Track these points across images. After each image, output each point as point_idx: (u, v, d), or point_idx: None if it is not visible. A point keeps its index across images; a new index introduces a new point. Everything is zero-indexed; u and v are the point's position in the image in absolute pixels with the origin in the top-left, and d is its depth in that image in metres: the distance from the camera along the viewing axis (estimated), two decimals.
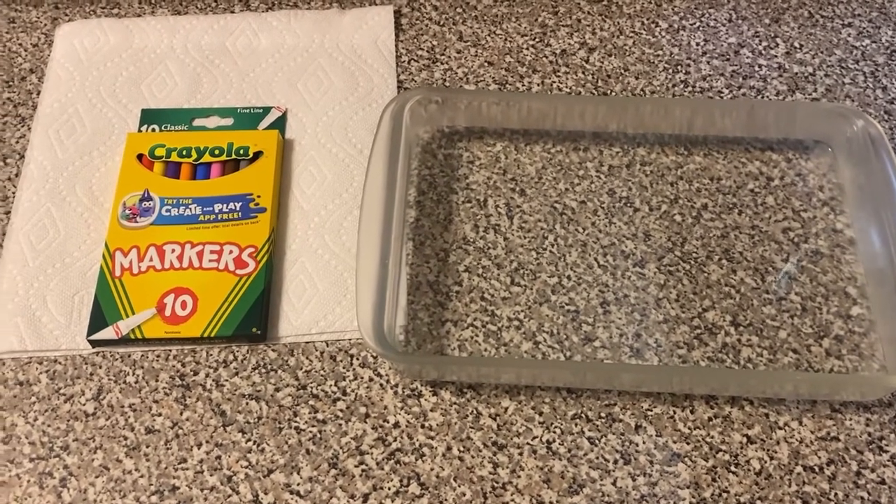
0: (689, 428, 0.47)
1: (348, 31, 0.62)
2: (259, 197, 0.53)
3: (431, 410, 0.47)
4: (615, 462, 0.46)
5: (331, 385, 0.48)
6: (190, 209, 0.52)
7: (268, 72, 0.60)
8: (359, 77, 0.60)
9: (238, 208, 0.52)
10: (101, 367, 0.48)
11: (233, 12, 0.63)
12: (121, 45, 0.61)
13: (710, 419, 0.47)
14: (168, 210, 0.52)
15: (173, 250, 0.51)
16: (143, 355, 0.49)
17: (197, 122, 0.57)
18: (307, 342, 0.50)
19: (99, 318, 0.49)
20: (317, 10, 0.63)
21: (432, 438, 0.46)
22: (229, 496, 0.45)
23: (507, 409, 0.47)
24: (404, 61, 0.61)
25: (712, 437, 0.47)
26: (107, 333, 0.48)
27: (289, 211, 0.54)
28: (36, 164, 0.55)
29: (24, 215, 0.53)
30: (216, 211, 0.52)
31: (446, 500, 0.45)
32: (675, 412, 0.47)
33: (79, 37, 0.61)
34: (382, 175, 0.51)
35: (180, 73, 0.60)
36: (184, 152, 0.54)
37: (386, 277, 0.48)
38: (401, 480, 0.45)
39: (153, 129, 0.56)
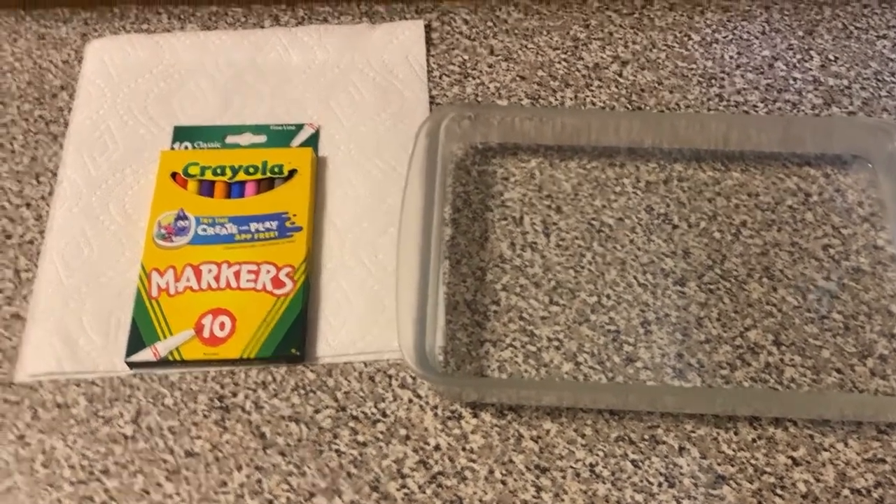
0: (734, 450, 0.46)
1: (379, 46, 0.61)
2: (295, 215, 0.52)
3: (472, 433, 0.47)
4: (659, 485, 0.45)
5: (370, 406, 0.48)
6: (226, 228, 0.52)
7: (299, 88, 0.60)
8: (391, 93, 0.59)
9: (274, 227, 0.52)
10: (139, 390, 0.48)
11: (262, 27, 0.63)
12: (151, 61, 0.60)
13: (753, 440, 0.47)
14: (204, 229, 0.52)
15: (210, 270, 0.50)
16: (181, 377, 0.49)
17: (230, 140, 0.57)
18: (345, 363, 0.49)
19: (137, 340, 0.48)
20: (347, 25, 0.63)
21: (474, 461, 0.46)
22: None
23: (548, 431, 0.47)
24: (436, 76, 0.61)
25: (757, 460, 0.46)
26: (145, 355, 0.48)
27: (323, 229, 0.53)
28: (69, 182, 0.55)
29: (58, 234, 0.53)
30: (252, 230, 0.52)
31: None
32: (718, 434, 0.47)
33: (109, 53, 0.61)
34: (420, 193, 0.51)
35: (211, 89, 0.59)
36: (218, 170, 0.54)
37: (426, 297, 0.47)
38: None
39: (186, 147, 0.56)
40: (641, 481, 0.45)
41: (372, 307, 0.51)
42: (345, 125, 0.58)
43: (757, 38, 0.63)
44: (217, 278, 0.50)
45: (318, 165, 0.56)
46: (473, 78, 0.61)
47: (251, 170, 0.54)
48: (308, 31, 0.62)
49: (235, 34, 0.62)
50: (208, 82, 0.60)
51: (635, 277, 0.52)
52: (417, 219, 0.50)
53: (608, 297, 0.51)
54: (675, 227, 0.54)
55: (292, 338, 0.49)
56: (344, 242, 0.53)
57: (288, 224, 0.52)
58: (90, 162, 0.56)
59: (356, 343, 0.49)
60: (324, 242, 0.53)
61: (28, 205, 0.55)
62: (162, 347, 0.48)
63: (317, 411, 0.48)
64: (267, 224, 0.52)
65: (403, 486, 0.45)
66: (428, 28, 0.63)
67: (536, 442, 0.47)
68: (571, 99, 0.60)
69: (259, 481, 0.45)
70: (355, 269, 0.52)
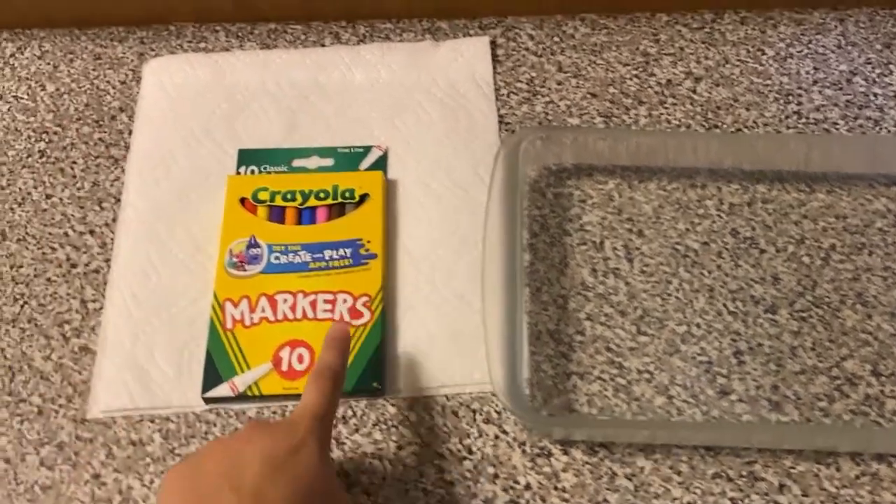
0: (836, 487, 0.44)
1: (444, 64, 0.60)
2: (369, 242, 0.51)
3: (563, 471, 0.45)
4: None
5: (455, 443, 0.46)
6: (299, 256, 0.50)
7: (365, 108, 0.58)
8: (458, 113, 0.57)
9: (349, 254, 0.50)
10: (215, 425, 0.46)
11: (323, 45, 0.61)
12: (212, 82, 0.59)
13: (857, 477, 0.45)
14: (277, 257, 0.50)
15: (285, 300, 0.49)
16: (258, 411, 0.47)
17: (296, 163, 0.55)
18: (427, 396, 0.47)
19: (213, 374, 0.47)
20: (410, 43, 0.61)
21: (567, 501, 0.44)
22: None
23: (642, 468, 0.45)
24: (503, 94, 0.59)
25: (861, 497, 0.44)
26: (222, 390, 0.46)
27: (397, 256, 0.52)
28: (133, 208, 0.53)
29: (125, 263, 0.51)
30: (326, 258, 0.50)
31: None
32: (819, 470, 0.45)
33: (168, 73, 0.59)
34: (500, 219, 0.49)
35: (275, 110, 0.58)
36: (288, 196, 0.52)
37: (512, 329, 0.45)
38: None
39: (252, 171, 0.55)
40: None
41: (452, 338, 0.49)
42: (412, 146, 0.56)
43: (833, 52, 0.61)
44: (293, 308, 0.48)
45: (388, 189, 0.54)
46: (542, 96, 0.59)
47: (322, 195, 0.53)
48: (371, 50, 0.60)
49: (296, 53, 0.60)
50: (271, 103, 0.58)
51: (724, 305, 0.50)
52: (500, 245, 0.48)
53: (698, 326, 0.49)
54: (762, 251, 0.52)
55: (373, 371, 0.47)
56: (419, 270, 0.51)
57: (362, 251, 0.51)
58: (154, 187, 0.54)
59: (437, 376, 0.48)
60: (398, 270, 0.51)
61: (92, 232, 0.53)
62: (240, 382, 0.46)
63: (400, 448, 0.46)
64: (341, 251, 0.50)
65: None
66: (493, 44, 0.61)
67: (630, 480, 0.45)
68: (645, 117, 0.58)
69: None
70: (432, 298, 0.50)
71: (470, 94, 0.58)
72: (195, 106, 0.58)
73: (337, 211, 0.52)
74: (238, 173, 0.55)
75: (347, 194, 0.52)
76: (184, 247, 0.52)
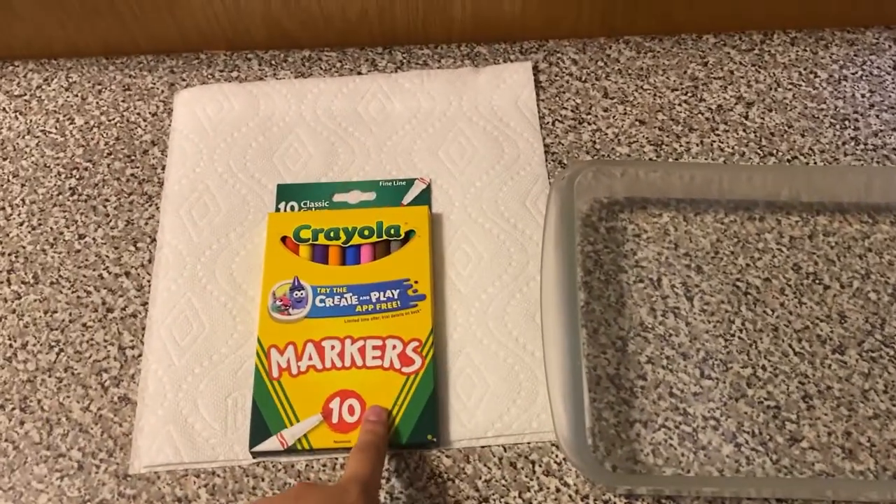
0: None
1: (486, 91, 0.58)
2: (417, 283, 0.49)
3: None
4: None
5: (514, 497, 0.44)
6: (345, 299, 0.48)
7: (406, 139, 0.56)
8: (503, 142, 0.55)
9: (396, 296, 0.48)
10: (263, 480, 0.45)
11: (360, 73, 0.60)
12: (246, 113, 0.57)
13: None
14: (322, 300, 0.48)
15: (333, 347, 0.47)
16: (307, 464, 0.45)
17: (337, 198, 0.53)
18: (483, 446, 0.45)
19: (261, 427, 0.45)
20: (449, 70, 0.59)
21: None
22: None
23: None
24: (548, 122, 0.57)
25: None
26: (271, 444, 0.44)
27: (446, 296, 0.50)
28: (170, 249, 0.52)
29: (164, 307, 0.50)
30: (373, 300, 0.48)
31: None
32: None
33: (200, 104, 0.57)
34: (556, 258, 0.47)
35: (313, 142, 0.56)
36: (331, 234, 0.51)
37: (574, 376, 0.43)
38: None
39: (292, 207, 0.53)
40: None
41: (507, 384, 0.47)
42: (458, 179, 0.54)
43: (888, 73, 0.59)
44: (341, 356, 0.47)
45: (433, 223, 0.52)
46: (589, 123, 0.57)
47: (366, 232, 0.51)
48: (409, 77, 0.58)
49: (333, 81, 0.58)
50: (308, 135, 0.56)
51: (790, 345, 0.48)
52: (557, 285, 0.46)
53: (763, 368, 0.47)
54: (826, 287, 0.50)
55: (427, 422, 0.45)
56: (470, 311, 0.49)
57: (410, 293, 0.49)
58: (191, 226, 0.52)
59: (494, 425, 0.46)
60: (447, 311, 0.49)
61: (127, 273, 0.51)
62: (289, 435, 0.44)
63: (457, 502, 0.44)
64: (388, 293, 0.49)
65: None
66: (535, 69, 0.59)
67: None
68: (697, 144, 0.56)
69: None
70: (485, 341, 0.48)
71: (513, 122, 0.56)
72: (231, 139, 0.56)
73: (382, 249, 0.50)
74: (277, 210, 0.53)
75: (392, 231, 0.50)
76: (224, 289, 0.50)
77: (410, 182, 0.54)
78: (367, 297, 0.48)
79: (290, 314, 0.48)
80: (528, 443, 0.45)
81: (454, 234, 0.52)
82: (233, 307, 0.49)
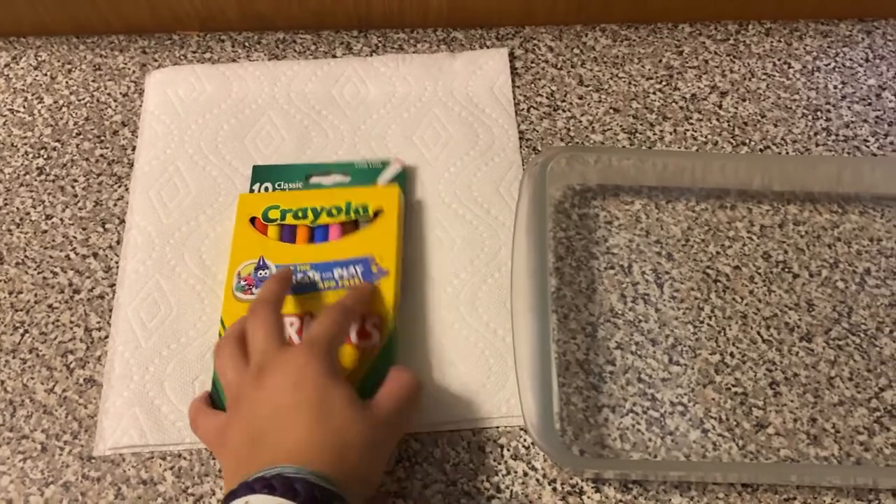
0: None
1: (462, 76, 0.57)
2: (381, 259, 0.48)
3: None
4: None
5: (482, 481, 0.44)
6: (308, 277, 0.48)
7: (380, 123, 0.56)
8: (478, 128, 0.55)
9: (359, 273, 0.48)
10: None
11: (335, 56, 0.59)
12: (219, 95, 0.56)
13: None
14: None
15: (291, 323, 0.46)
16: None
17: (314, 180, 0.52)
18: (452, 430, 0.45)
19: (222, 408, 0.44)
20: (426, 55, 0.59)
21: None
22: None
23: None
24: (523, 109, 0.57)
25: None
26: None
27: (419, 280, 0.50)
28: (139, 230, 0.51)
29: (132, 289, 0.49)
30: (336, 277, 0.48)
31: None
32: None
33: (172, 85, 0.57)
34: (527, 244, 0.47)
35: (286, 126, 0.55)
36: (300, 213, 0.50)
37: (543, 361, 0.43)
38: None
39: (266, 188, 0.52)
40: None
41: (476, 369, 0.47)
42: (431, 164, 0.54)
43: (861, 65, 0.59)
44: (300, 332, 0.46)
45: (407, 209, 0.52)
46: (563, 110, 0.57)
47: (334, 212, 0.50)
48: (384, 61, 0.58)
49: (307, 64, 0.58)
50: (282, 118, 0.56)
51: (759, 333, 0.48)
52: (527, 271, 0.46)
53: (732, 355, 0.47)
54: (795, 276, 0.50)
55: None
56: (441, 295, 0.49)
57: (374, 269, 0.48)
58: (160, 207, 0.52)
59: (462, 409, 0.46)
60: (420, 295, 0.49)
61: (95, 255, 0.51)
62: None
63: (425, 486, 0.44)
64: (351, 269, 0.48)
65: None
66: (511, 56, 0.59)
67: None
68: (670, 133, 0.56)
69: None
70: (456, 326, 0.48)
71: (488, 109, 0.56)
72: (202, 121, 0.55)
73: (351, 228, 0.50)
74: (252, 191, 0.52)
75: (361, 210, 0.50)
76: (193, 272, 0.50)
77: (386, 163, 0.53)
78: (330, 274, 0.48)
79: (253, 293, 0.47)
80: (497, 427, 0.45)
81: (427, 218, 0.52)
82: (201, 290, 0.49)
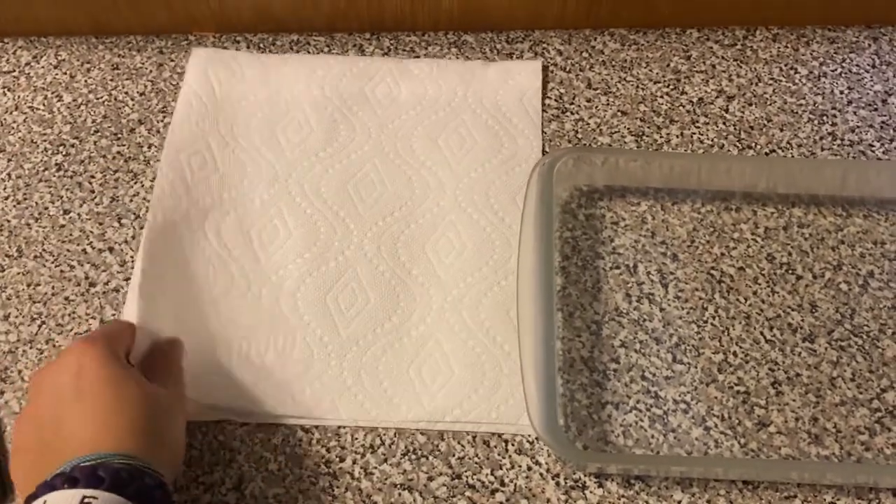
0: None
1: (493, 85, 0.57)
2: None
3: None
4: None
5: (487, 474, 0.45)
6: None
7: (408, 124, 0.56)
8: (503, 137, 0.55)
9: None
10: (240, 454, 0.45)
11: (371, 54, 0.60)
12: (257, 82, 0.57)
13: None
14: None
15: None
16: (284, 440, 0.46)
17: None
18: (440, 431, 0.46)
19: None
20: (460, 62, 0.59)
21: None
22: None
23: (679, 502, 0.44)
24: None
25: None
26: None
27: (424, 279, 0.50)
28: (167, 181, 0.52)
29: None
30: None
31: None
32: None
33: (213, 65, 0.58)
34: (534, 242, 0.47)
35: (317, 117, 0.56)
36: None
37: (552, 358, 0.44)
38: None
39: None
40: None
41: (472, 373, 0.47)
42: (453, 168, 0.54)
43: (867, 71, 0.60)
44: None
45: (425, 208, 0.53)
46: (572, 113, 0.58)
47: None
48: (419, 65, 0.59)
49: (344, 60, 0.59)
50: (313, 110, 0.56)
51: (762, 333, 0.49)
52: (533, 269, 0.47)
53: (735, 354, 0.48)
54: (798, 277, 0.51)
55: None
56: (446, 298, 0.50)
57: None
58: (189, 174, 0.53)
59: (453, 410, 0.46)
60: (425, 294, 0.50)
61: (111, 249, 0.52)
62: None
63: (430, 479, 0.45)
64: None
65: None
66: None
67: None
68: (677, 136, 0.56)
69: None
70: (456, 328, 0.49)
71: (516, 120, 0.56)
72: (238, 105, 0.56)
73: None
74: None
75: None
76: (212, 245, 0.51)
77: None
78: None
79: None
80: (486, 433, 0.46)
81: (442, 220, 0.53)
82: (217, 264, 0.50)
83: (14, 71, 0.60)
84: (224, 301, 0.49)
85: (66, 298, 0.50)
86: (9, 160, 0.56)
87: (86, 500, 0.33)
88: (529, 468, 0.45)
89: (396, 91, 0.58)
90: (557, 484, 0.44)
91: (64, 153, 0.56)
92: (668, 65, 0.60)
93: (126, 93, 0.59)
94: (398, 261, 0.51)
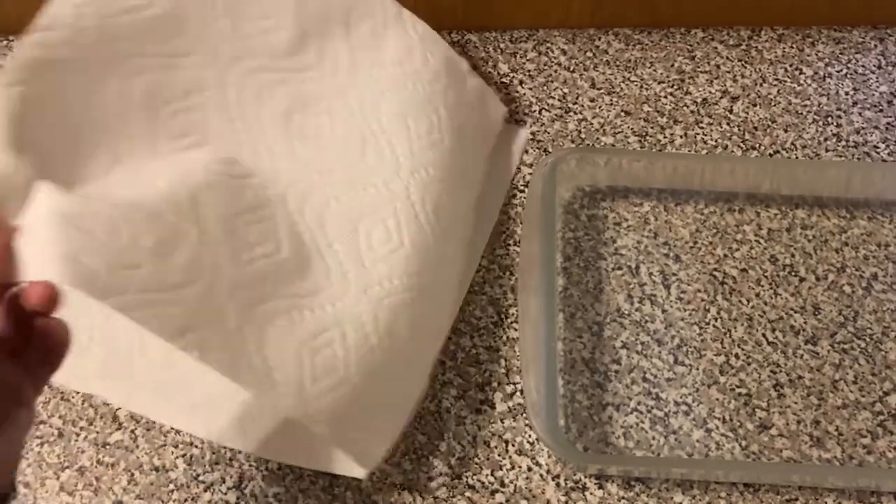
0: None
1: (472, 104, 0.53)
2: None
3: None
4: None
5: (487, 475, 0.45)
6: None
7: (383, 80, 0.50)
8: (470, 158, 0.52)
9: None
10: (240, 452, 0.45)
11: None
12: None
13: None
14: None
15: None
16: None
17: None
18: (457, 426, 0.46)
19: None
20: (453, 50, 0.55)
21: None
22: None
23: None
24: (535, 110, 0.57)
25: None
26: None
27: (345, 258, 0.50)
28: None
29: None
30: None
31: None
32: None
33: None
34: (536, 242, 0.47)
35: (289, 22, 0.49)
36: None
37: (553, 359, 0.44)
38: None
39: None
40: None
41: (370, 385, 0.42)
42: (414, 154, 0.48)
43: (873, 72, 0.60)
44: None
45: None
46: (575, 113, 0.57)
47: None
48: (416, 26, 0.52)
49: None
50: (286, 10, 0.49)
51: (764, 335, 0.48)
52: (535, 270, 0.47)
53: (736, 356, 0.48)
54: (802, 279, 0.50)
55: None
56: (365, 291, 0.44)
57: None
58: None
59: (330, 424, 0.40)
60: (342, 277, 0.44)
61: None
62: None
63: (430, 479, 0.45)
64: None
65: None
66: (524, 58, 0.60)
67: None
68: (681, 136, 0.56)
69: None
70: (367, 328, 0.42)
71: (488, 154, 0.54)
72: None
73: None
74: None
75: None
76: None
77: None
78: None
79: None
80: (503, 422, 0.46)
81: (386, 204, 0.46)
82: None
83: None
84: None
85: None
86: None
87: None
88: (530, 469, 0.45)
89: (382, 35, 0.51)
90: (558, 485, 0.44)
91: None
92: (673, 65, 0.60)
93: None
94: (322, 228, 0.44)
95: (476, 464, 0.45)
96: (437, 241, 0.47)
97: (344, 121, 0.48)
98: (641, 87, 0.59)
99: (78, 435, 0.46)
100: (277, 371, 0.38)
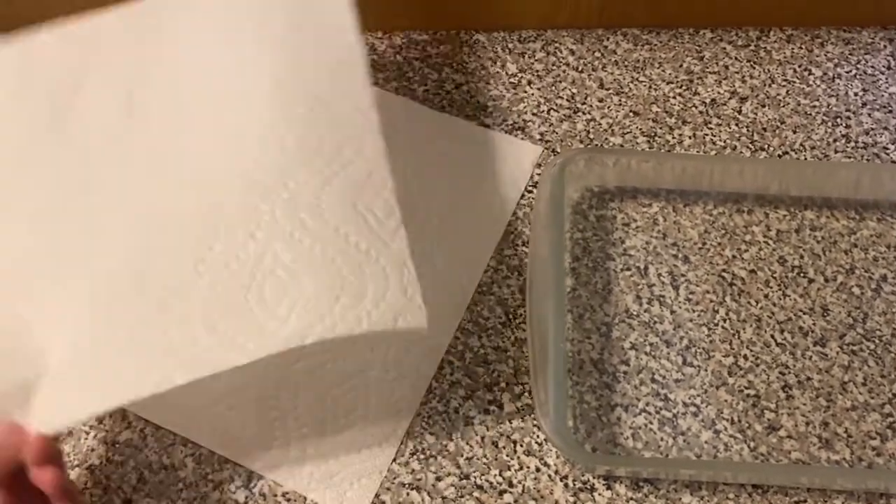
0: None
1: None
2: None
3: None
4: None
5: (495, 475, 0.45)
6: None
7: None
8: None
9: None
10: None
11: None
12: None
13: None
14: None
15: None
16: None
17: None
18: (465, 426, 0.46)
19: None
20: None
21: None
22: None
23: None
24: (543, 111, 0.57)
25: None
26: None
27: (240, 187, 0.47)
28: None
29: None
30: None
31: None
32: None
33: None
34: (545, 243, 0.47)
35: None
36: None
37: (562, 359, 0.44)
38: None
39: None
40: None
41: (327, 281, 0.39)
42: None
43: (882, 72, 0.59)
44: None
45: None
46: (584, 113, 0.57)
47: None
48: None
49: None
50: None
51: (773, 336, 0.48)
52: (544, 271, 0.47)
53: (745, 357, 0.48)
54: (810, 280, 0.50)
55: None
56: (275, 202, 0.42)
57: None
58: None
59: (314, 328, 0.38)
60: (246, 206, 0.41)
61: None
62: None
63: (438, 479, 0.45)
64: None
65: None
66: (532, 58, 0.60)
67: None
68: (689, 137, 0.56)
69: None
70: (297, 235, 0.41)
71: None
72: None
73: None
74: None
75: None
76: None
77: None
78: None
79: None
80: (511, 423, 0.46)
81: (249, 109, 0.44)
82: None
83: None
84: None
85: None
86: None
87: None
88: (538, 469, 0.45)
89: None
90: (566, 486, 0.44)
91: None
92: (681, 65, 0.60)
93: None
94: (206, 177, 0.43)
95: (484, 464, 0.45)
96: (317, 114, 0.44)
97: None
98: (650, 87, 0.59)
99: (87, 433, 0.46)
100: (238, 334, 0.38)
